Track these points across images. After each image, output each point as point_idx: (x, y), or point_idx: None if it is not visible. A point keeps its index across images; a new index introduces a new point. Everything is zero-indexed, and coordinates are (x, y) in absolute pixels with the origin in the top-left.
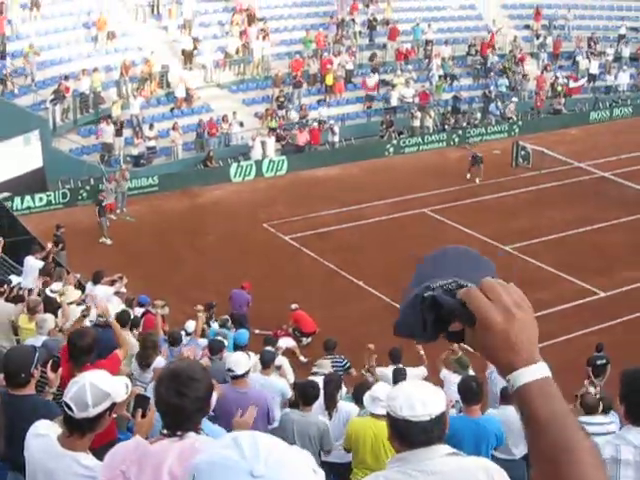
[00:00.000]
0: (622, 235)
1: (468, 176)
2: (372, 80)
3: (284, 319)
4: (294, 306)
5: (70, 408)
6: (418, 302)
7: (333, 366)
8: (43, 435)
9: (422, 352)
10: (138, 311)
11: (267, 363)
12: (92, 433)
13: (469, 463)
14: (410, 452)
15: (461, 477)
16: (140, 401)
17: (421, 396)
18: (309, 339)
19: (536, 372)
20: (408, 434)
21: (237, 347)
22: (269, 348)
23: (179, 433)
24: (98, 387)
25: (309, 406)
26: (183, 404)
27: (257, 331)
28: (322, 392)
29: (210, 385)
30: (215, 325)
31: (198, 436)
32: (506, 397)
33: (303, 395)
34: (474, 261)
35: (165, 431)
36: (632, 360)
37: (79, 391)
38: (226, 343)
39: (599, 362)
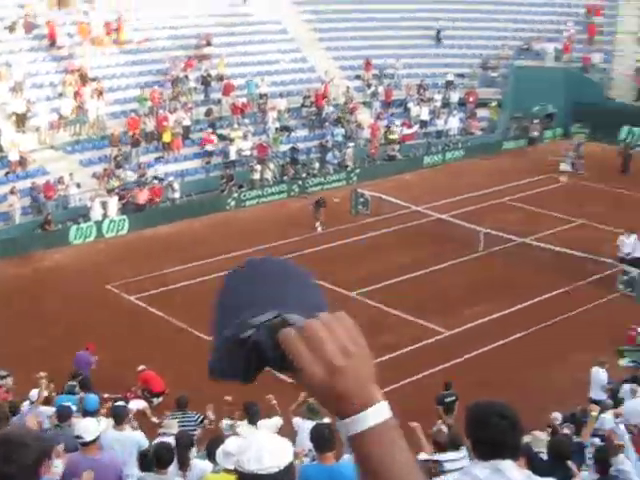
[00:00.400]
0: (460, 274)
1: (318, 226)
2: (211, 136)
3: (133, 381)
4: (141, 367)
5: None
6: (236, 344)
7: (184, 425)
8: None
9: (274, 401)
10: None
11: (120, 418)
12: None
13: None
14: None
15: None
16: None
17: (269, 448)
18: (160, 399)
19: (372, 417)
20: None
21: (86, 413)
22: (121, 403)
23: None
24: None
25: (164, 469)
26: (10, 471)
27: (106, 395)
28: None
29: (42, 453)
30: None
31: None
32: None
33: (157, 458)
34: (296, 279)
35: None
36: (480, 394)
37: None
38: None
39: (448, 399)
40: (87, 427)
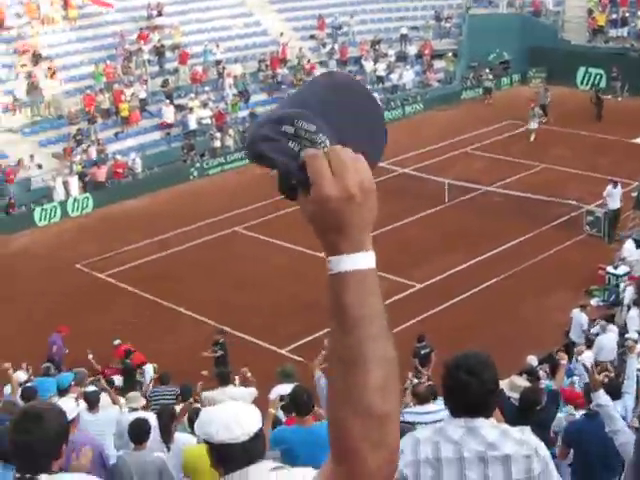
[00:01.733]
0: (427, 227)
1: None
2: (169, 109)
3: (111, 357)
4: (117, 342)
5: None
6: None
7: (165, 399)
8: None
9: (249, 374)
10: None
11: (93, 404)
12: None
13: (295, 474)
14: (237, 474)
15: None
16: None
17: (236, 417)
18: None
19: (360, 261)
20: (230, 457)
21: (61, 392)
22: (93, 388)
23: (28, 476)
24: None
25: (141, 444)
26: (30, 440)
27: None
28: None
29: (62, 427)
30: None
31: (49, 476)
32: None
33: (133, 434)
34: (357, 107)
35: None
36: (456, 344)
37: None
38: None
39: (423, 352)
40: (65, 406)
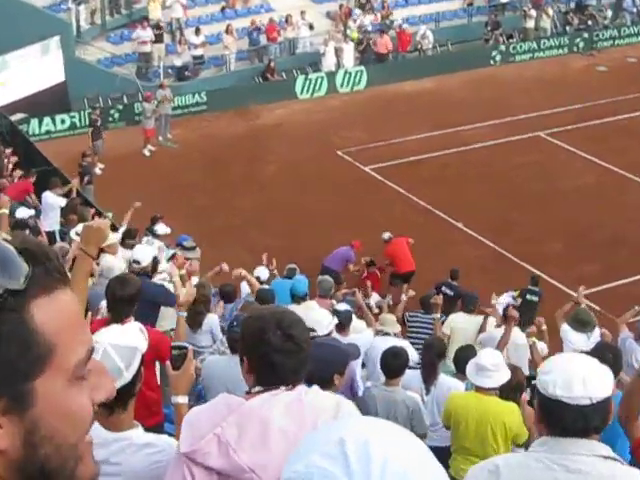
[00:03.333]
0: None
1: None
2: None
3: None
4: (387, 235)
5: None
6: None
7: (426, 327)
8: None
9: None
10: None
11: (343, 325)
12: (133, 398)
13: (625, 474)
14: (556, 440)
15: None
16: (175, 353)
17: (583, 373)
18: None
19: None
20: (559, 418)
21: (295, 298)
22: (345, 306)
23: (284, 387)
24: (121, 346)
25: (394, 379)
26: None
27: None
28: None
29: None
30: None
31: (305, 388)
32: None
33: (384, 367)
34: None
35: (257, 388)
36: None
37: (104, 359)
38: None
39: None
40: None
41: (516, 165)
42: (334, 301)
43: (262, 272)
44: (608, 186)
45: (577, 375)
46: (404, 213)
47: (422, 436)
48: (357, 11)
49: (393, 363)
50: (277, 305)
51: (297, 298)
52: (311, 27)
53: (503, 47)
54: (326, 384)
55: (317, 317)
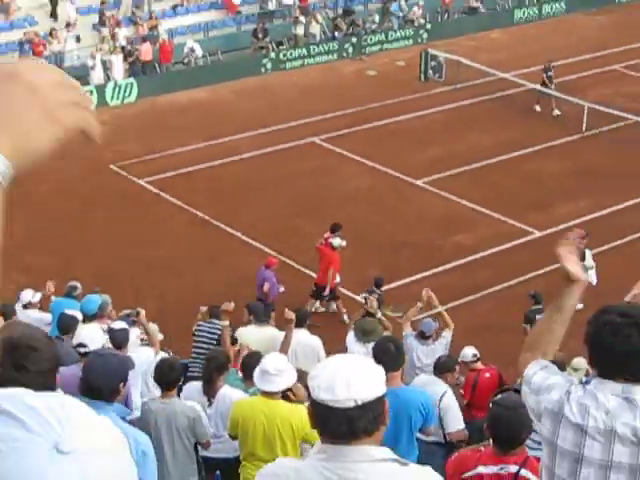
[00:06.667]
0: (555, 161)
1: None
2: None
3: (138, 287)
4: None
5: None
6: None
7: (210, 335)
8: None
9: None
10: None
11: (119, 343)
12: None
13: (409, 476)
14: (332, 447)
15: None
16: None
17: (346, 375)
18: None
19: None
20: (326, 423)
21: (85, 317)
22: (122, 324)
23: None
24: None
25: (170, 391)
26: (21, 379)
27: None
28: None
29: (55, 359)
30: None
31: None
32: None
33: (159, 379)
34: None
35: None
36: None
37: None
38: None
39: (539, 316)
40: (92, 335)
41: (293, 172)
42: (109, 321)
43: (28, 295)
44: (383, 189)
45: (340, 377)
46: (181, 225)
47: (206, 444)
48: (124, 22)
49: (169, 375)
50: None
51: (87, 317)
52: (78, 39)
53: (273, 55)
54: (115, 394)
55: (89, 334)
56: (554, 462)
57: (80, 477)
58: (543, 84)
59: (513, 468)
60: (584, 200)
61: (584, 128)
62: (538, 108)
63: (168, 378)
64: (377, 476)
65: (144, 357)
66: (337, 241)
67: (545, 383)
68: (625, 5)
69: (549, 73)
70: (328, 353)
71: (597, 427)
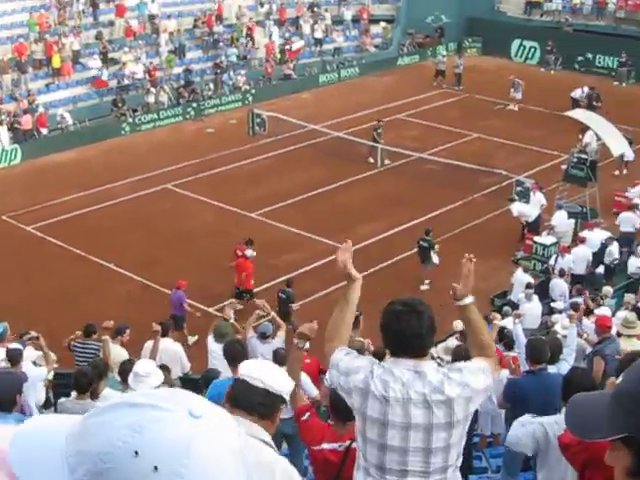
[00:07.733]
0: (357, 192)
1: None
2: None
3: (40, 315)
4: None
5: None
6: None
7: (85, 354)
8: None
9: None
10: None
11: (15, 361)
12: None
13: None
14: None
15: None
16: None
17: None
18: None
19: None
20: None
21: None
22: (17, 345)
23: None
24: None
25: (83, 394)
26: None
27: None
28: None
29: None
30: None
31: None
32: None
33: (74, 383)
34: None
35: None
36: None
37: None
38: None
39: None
40: None
41: (153, 212)
42: (8, 344)
43: None
44: (224, 221)
45: (269, 367)
46: (64, 261)
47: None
48: (6, 99)
49: (81, 380)
50: None
51: None
52: None
53: (130, 119)
54: (13, 405)
55: None
56: (365, 427)
57: (217, 432)
58: (373, 139)
59: None
60: (379, 222)
61: (379, 164)
62: (371, 160)
63: (83, 382)
64: None
65: (36, 372)
66: (249, 252)
67: (353, 365)
68: (404, 67)
69: (378, 130)
70: None
71: (396, 397)
